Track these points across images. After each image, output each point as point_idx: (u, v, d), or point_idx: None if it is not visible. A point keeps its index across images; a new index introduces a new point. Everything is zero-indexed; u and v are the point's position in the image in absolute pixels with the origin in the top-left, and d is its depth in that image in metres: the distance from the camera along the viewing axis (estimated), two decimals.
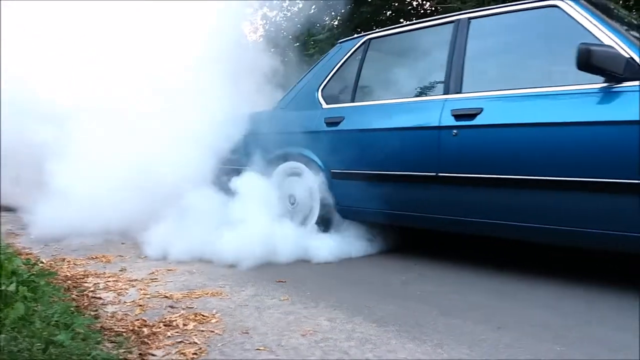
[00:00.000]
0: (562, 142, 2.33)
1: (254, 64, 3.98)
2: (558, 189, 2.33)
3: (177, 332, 1.88)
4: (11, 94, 3.92)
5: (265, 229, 3.07)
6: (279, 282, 2.59)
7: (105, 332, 1.86)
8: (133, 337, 1.83)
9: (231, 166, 3.64)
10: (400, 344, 1.79)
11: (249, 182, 3.35)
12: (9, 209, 4.44)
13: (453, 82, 2.78)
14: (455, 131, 2.66)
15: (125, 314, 2.08)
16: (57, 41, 3.98)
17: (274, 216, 3.27)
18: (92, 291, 2.40)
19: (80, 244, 3.48)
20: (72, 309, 2.01)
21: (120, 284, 2.54)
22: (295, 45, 6.88)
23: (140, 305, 2.20)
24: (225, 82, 3.61)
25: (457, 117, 2.66)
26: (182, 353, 1.70)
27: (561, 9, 2.50)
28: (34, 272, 2.29)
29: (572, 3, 2.48)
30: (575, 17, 2.44)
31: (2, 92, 3.89)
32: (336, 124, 3.25)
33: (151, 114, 3.57)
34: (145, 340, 1.80)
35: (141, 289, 2.44)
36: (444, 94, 2.81)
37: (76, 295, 2.31)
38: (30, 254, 3.12)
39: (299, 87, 3.67)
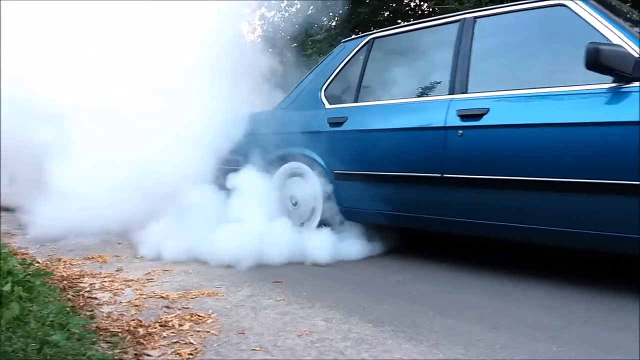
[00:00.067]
0: (570, 143, 2.29)
1: (252, 64, 3.97)
2: (567, 190, 2.30)
3: (172, 333, 1.88)
4: (11, 94, 3.90)
5: (262, 229, 3.07)
6: (276, 282, 2.59)
7: (101, 333, 1.86)
8: (129, 337, 1.82)
9: (232, 167, 3.61)
10: (397, 344, 1.79)
11: (247, 180, 3.35)
12: (7, 209, 4.43)
13: (459, 82, 2.75)
14: (461, 132, 2.63)
15: (121, 314, 2.08)
16: (57, 41, 3.97)
17: (271, 216, 3.25)
18: (88, 291, 2.39)
19: (76, 244, 3.47)
20: (67, 309, 2.01)
21: (116, 284, 2.53)
22: (293, 45, 6.88)
23: (136, 306, 2.19)
24: (224, 82, 3.61)
25: (463, 117, 2.63)
26: (177, 353, 1.70)
27: (569, 7, 2.47)
28: (30, 272, 2.29)
29: (580, 2, 2.45)
30: (583, 16, 2.41)
31: (2, 92, 3.88)
32: (339, 124, 3.22)
33: (150, 113, 3.56)
34: (141, 340, 1.80)
35: (137, 289, 2.43)
36: (449, 94, 2.77)
37: (72, 296, 2.31)
38: (26, 254, 3.11)
39: (301, 87, 3.63)
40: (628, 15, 2.75)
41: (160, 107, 3.57)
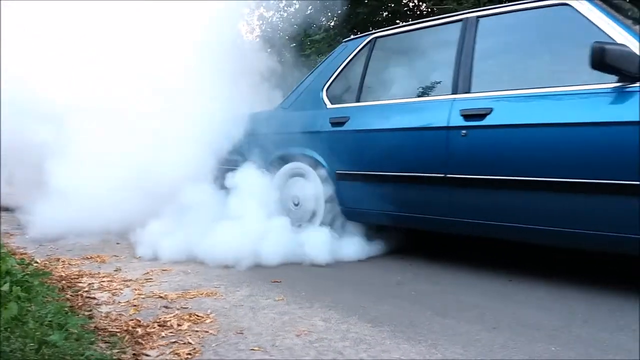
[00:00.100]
0: (575, 143, 2.27)
1: (251, 64, 3.98)
2: (571, 191, 2.28)
3: (171, 332, 1.88)
4: (11, 94, 3.90)
5: (261, 228, 3.06)
6: (274, 282, 2.59)
7: (99, 332, 1.85)
8: (127, 337, 1.82)
9: (232, 167, 3.59)
10: (395, 344, 1.79)
11: (246, 179, 3.34)
12: (6, 209, 4.42)
13: (462, 82, 2.73)
14: (464, 131, 2.60)
15: (120, 314, 2.08)
16: (56, 41, 3.97)
17: (271, 215, 3.25)
18: (86, 291, 2.39)
19: (75, 243, 3.48)
20: (66, 309, 2.01)
21: (114, 284, 2.53)
22: (291, 45, 6.88)
23: (135, 306, 2.19)
24: (223, 82, 3.61)
25: (467, 117, 2.61)
26: (176, 353, 1.70)
27: (572, 7, 2.45)
28: (28, 272, 2.29)
29: (584, 1, 2.43)
30: (587, 15, 2.39)
31: (2, 92, 3.88)
32: (341, 124, 3.20)
33: (150, 113, 3.57)
34: (139, 340, 1.80)
35: (136, 289, 2.43)
36: (452, 93, 2.75)
37: (70, 295, 2.30)
38: (25, 253, 3.11)
39: (302, 86, 3.61)
40: (630, 14, 2.73)
41: (160, 107, 3.58)
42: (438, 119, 2.73)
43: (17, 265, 2.30)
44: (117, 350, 1.70)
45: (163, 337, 1.84)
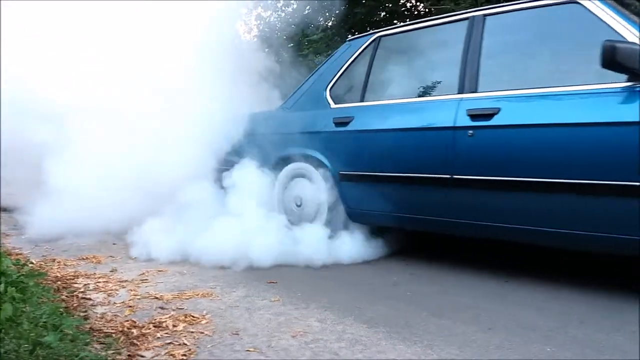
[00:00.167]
0: (585, 144, 2.23)
1: (249, 64, 3.97)
2: (581, 192, 2.24)
3: (166, 333, 1.87)
4: (11, 94, 3.90)
5: (259, 228, 3.06)
6: (270, 283, 2.58)
7: (95, 333, 1.85)
8: (122, 338, 1.82)
9: (232, 168, 3.58)
10: (391, 345, 1.78)
11: (245, 178, 3.33)
12: (5, 210, 4.41)
13: (468, 81, 2.69)
14: (471, 132, 2.56)
15: (115, 315, 2.07)
16: (56, 41, 3.97)
17: (269, 214, 3.24)
18: (82, 292, 2.39)
19: (72, 244, 3.47)
20: (61, 310, 2.00)
21: (110, 284, 2.52)
22: (289, 45, 6.88)
23: (130, 306, 2.18)
24: (223, 82, 3.60)
25: (473, 117, 2.57)
26: (171, 354, 1.69)
27: (582, 5, 2.41)
28: (24, 273, 2.27)
29: None
30: (597, 13, 2.35)
31: (2, 92, 3.87)
32: (345, 124, 3.15)
33: (150, 113, 3.57)
34: (135, 341, 1.80)
35: (131, 290, 2.43)
36: (458, 93, 2.71)
37: (66, 296, 2.30)
38: (21, 254, 3.09)
39: (305, 86, 3.56)
40: (638, 11, 2.65)
41: (159, 107, 3.57)
42: (444, 119, 2.69)
43: (12, 266, 2.28)
44: (112, 351, 1.69)
45: (158, 338, 1.83)
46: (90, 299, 2.30)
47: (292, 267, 2.90)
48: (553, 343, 1.80)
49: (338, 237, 3.15)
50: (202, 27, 3.73)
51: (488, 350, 1.74)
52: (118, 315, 2.07)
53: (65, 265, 2.93)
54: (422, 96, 2.96)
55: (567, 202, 2.31)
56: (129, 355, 1.68)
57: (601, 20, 2.34)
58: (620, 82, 2.19)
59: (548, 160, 2.34)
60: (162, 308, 2.17)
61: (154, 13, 3.79)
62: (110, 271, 2.79)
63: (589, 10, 2.39)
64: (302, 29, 6.94)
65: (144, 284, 2.56)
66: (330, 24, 7.58)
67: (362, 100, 3.20)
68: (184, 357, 1.68)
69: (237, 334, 1.88)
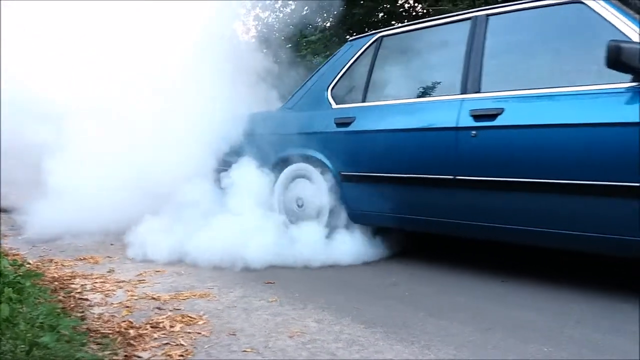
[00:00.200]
0: (589, 144, 2.22)
1: (247, 64, 3.97)
2: (586, 193, 2.23)
3: (163, 334, 1.87)
4: (11, 94, 3.90)
5: (256, 229, 3.05)
6: (268, 283, 2.58)
7: (91, 334, 1.85)
8: (119, 338, 1.81)
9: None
10: (388, 345, 1.78)
11: (243, 178, 3.32)
12: (4, 211, 4.40)
13: (471, 82, 2.67)
14: (474, 132, 2.55)
15: (112, 316, 2.07)
16: (56, 41, 3.97)
17: (267, 214, 3.24)
18: (79, 292, 2.38)
19: (69, 244, 3.46)
20: (58, 310, 2.00)
21: (107, 285, 2.52)
22: (287, 46, 6.88)
23: (128, 307, 2.18)
24: (221, 82, 3.59)
25: (477, 117, 2.56)
26: (168, 355, 1.69)
27: (586, 4, 2.40)
28: (20, 274, 2.27)
29: None
30: (601, 13, 2.34)
31: (1, 92, 3.87)
32: (347, 124, 3.13)
33: (150, 113, 3.57)
34: (132, 341, 1.79)
35: (129, 291, 2.42)
36: (461, 93, 2.69)
37: (63, 297, 2.29)
38: (18, 254, 3.09)
39: (307, 86, 3.54)
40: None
41: (158, 107, 3.57)
42: (446, 120, 2.67)
43: (9, 267, 2.28)
44: (109, 352, 1.69)
45: (155, 338, 1.83)
46: (87, 299, 2.29)
47: (290, 268, 2.90)
48: (550, 343, 1.80)
49: (339, 238, 3.13)
50: (201, 27, 3.73)
51: (486, 351, 1.74)
52: (115, 316, 2.07)
53: (63, 265, 2.92)
54: (424, 96, 2.94)
55: (572, 204, 2.29)
56: (125, 355, 1.68)
57: (605, 19, 2.32)
58: (624, 82, 2.18)
59: (552, 161, 2.32)
60: (159, 308, 2.17)
61: (153, 13, 3.78)
62: (108, 272, 2.79)
63: (593, 10, 2.37)
64: (301, 29, 6.94)
65: (141, 284, 2.55)
66: (328, 24, 7.58)
67: (363, 101, 3.18)
68: (181, 358, 1.67)
69: (234, 335, 1.88)
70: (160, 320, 1.99)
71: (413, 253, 3.22)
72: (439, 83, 2.94)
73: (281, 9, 7.40)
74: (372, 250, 3.13)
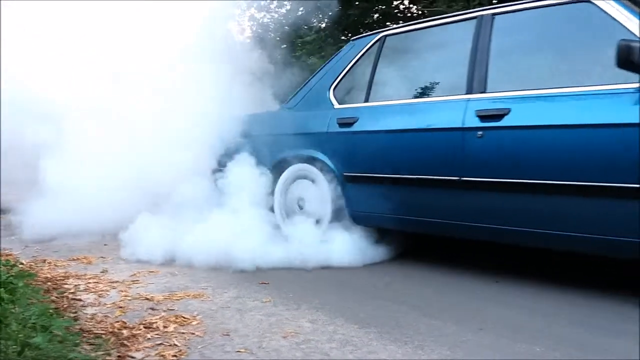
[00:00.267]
0: (598, 146, 2.19)
1: (242, 64, 3.97)
2: (597, 196, 2.19)
3: (157, 334, 1.87)
4: (11, 94, 3.89)
5: (252, 229, 3.05)
6: (262, 284, 2.58)
7: (84, 334, 1.84)
8: (112, 339, 1.81)
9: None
10: (382, 345, 1.79)
11: (241, 179, 3.31)
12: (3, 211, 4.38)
13: (477, 82, 2.64)
14: (480, 133, 2.51)
15: (105, 316, 2.06)
16: (56, 41, 3.97)
17: (265, 216, 3.23)
18: (72, 293, 2.37)
19: (63, 245, 3.45)
20: (50, 310, 1.98)
21: (101, 285, 2.51)
22: (282, 46, 6.87)
23: (121, 307, 2.17)
24: (216, 83, 3.59)
25: (483, 118, 2.53)
26: (161, 355, 1.69)
27: (594, 3, 2.37)
28: (13, 274, 2.26)
29: None
30: (610, 13, 2.31)
31: (2, 92, 3.86)
32: (349, 124, 3.10)
33: (149, 113, 3.57)
34: (125, 342, 1.79)
35: (122, 291, 2.41)
36: (466, 93, 2.66)
37: (56, 297, 2.28)
38: (10, 254, 3.07)
39: (308, 86, 3.50)
40: None
41: (158, 107, 3.57)
42: (452, 120, 2.64)
43: (1, 267, 2.27)
44: (101, 352, 1.68)
45: (149, 339, 1.83)
46: (80, 299, 2.28)
47: (285, 269, 2.88)
48: (542, 343, 1.80)
49: (339, 239, 3.07)
50: (196, 27, 3.73)
51: (479, 351, 1.75)
52: (108, 316, 2.06)
53: (56, 266, 2.91)
54: (428, 97, 2.90)
55: (580, 206, 2.26)
56: (119, 356, 1.68)
57: (614, 18, 2.29)
58: (634, 82, 2.14)
59: (560, 162, 2.29)
60: (152, 309, 2.16)
61: (152, 13, 3.78)
62: (101, 272, 2.78)
63: (601, 9, 2.34)
64: (296, 30, 6.93)
65: (134, 284, 2.55)
66: (323, 25, 7.58)
67: (366, 101, 3.14)
68: (174, 358, 1.67)
69: (228, 335, 1.88)
70: (153, 321, 1.99)
71: (411, 254, 3.21)
72: (443, 83, 2.90)
73: (276, 9, 7.40)
74: (374, 252, 3.09)
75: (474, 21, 2.78)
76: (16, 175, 4.02)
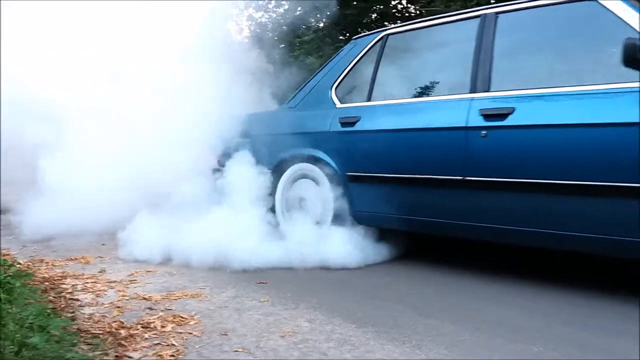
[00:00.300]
0: (603, 145, 2.17)
1: (240, 64, 3.97)
2: (601, 195, 2.18)
3: (154, 334, 1.87)
4: (11, 94, 3.88)
5: (252, 230, 3.05)
6: (260, 283, 2.58)
7: (82, 334, 1.84)
8: (110, 339, 1.81)
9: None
10: (379, 345, 1.79)
11: (240, 178, 3.31)
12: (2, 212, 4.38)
13: (480, 80, 2.62)
14: (484, 132, 2.50)
15: (103, 316, 2.06)
16: (56, 41, 3.97)
17: (263, 216, 3.22)
18: (69, 292, 2.37)
19: (61, 244, 3.45)
20: (48, 310, 1.98)
21: (98, 285, 2.51)
22: (280, 46, 6.87)
23: (119, 307, 2.17)
24: (218, 82, 3.59)
25: (487, 117, 2.51)
26: (159, 355, 1.68)
27: (599, 2, 2.36)
28: (10, 274, 2.25)
29: None
30: (615, 11, 2.29)
31: (2, 92, 3.86)
32: (352, 124, 3.08)
33: (149, 113, 3.57)
34: (122, 342, 1.78)
35: (120, 291, 2.41)
36: (470, 92, 2.64)
37: (53, 297, 2.28)
38: (8, 254, 3.06)
39: (310, 85, 3.48)
40: None
41: (158, 106, 3.57)
42: (456, 119, 2.62)
43: None
44: (99, 352, 1.68)
45: (146, 338, 1.82)
46: (78, 299, 2.28)
47: (284, 269, 2.87)
48: (540, 343, 1.81)
49: (341, 239, 3.04)
50: (195, 27, 3.73)
51: (476, 350, 1.75)
52: (106, 316, 2.06)
53: (54, 265, 2.90)
54: (431, 96, 2.89)
55: (587, 206, 2.24)
56: (116, 356, 1.67)
57: (619, 17, 2.28)
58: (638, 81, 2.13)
59: (567, 161, 2.28)
60: (150, 309, 2.16)
61: (151, 14, 3.78)
62: (99, 272, 2.78)
63: (606, 8, 2.33)
64: (294, 29, 6.93)
65: (132, 284, 2.54)
66: (321, 25, 7.59)
67: (369, 100, 3.12)
68: (172, 358, 1.67)
69: (226, 335, 1.88)
70: (151, 321, 1.99)
71: (412, 254, 3.20)
72: (446, 82, 2.89)
73: (274, 9, 7.40)
74: (375, 252, 3.07)
75: (478, 20, 2.76)
76: (16, 175, 4.02)
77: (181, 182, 3.33)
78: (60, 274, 2.69)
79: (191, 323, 1.99)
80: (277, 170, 3.45)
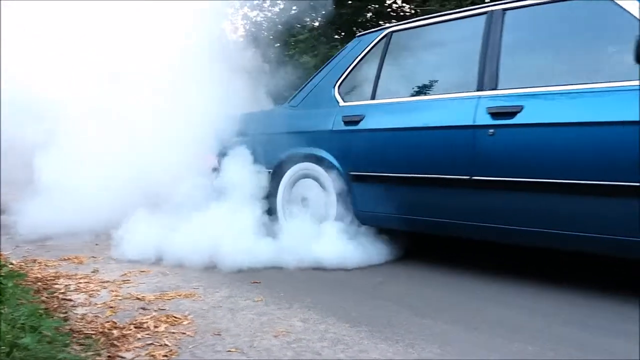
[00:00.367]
0: (613, 143, 2.13)
1: (235, 63, 3.96)
2: (611, 195, 2.14)
3: (147, 334, 1.86)
4: (11, 94, 3.87)
5: (251, 230, 3.04)
6: (254, 283, 2.57)
7: (74, 335, 1.83)
8: (102, 339, 1.80)
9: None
10: (373, 344, 1.79)
11: (238, 178, 3.31)
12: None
13: (487, 78, 2.57)
14: (492, 130, 2.45)
15: (96, 316, 2.05)
16: (56, 41, 3.96)
17: (262, 216, 3.21)
18: (62, 293, 2.36)
19: (54, 244, 3.43)
20: (40, 311, 1.97)
21: (91, 285, 2.50)
22: (276, 45, 6.87)
23: (111, 307, 2.16)
24: (215, 82, 3.57)
25: (494, 115, 2.46)
26: (151, 355, 1.68)
27: None
28: (2, 274, 2.24)
29: None
30: (626, 7, 2.24)
31: (2, 92, 3.84)
32: (355, 122, 3.03)
33: (147, 113, 3.56)
34: (115, 342, 1.78)
35: (113, 291, 2.40)
36: (477, 90, 2.59)
37: (46, 297, 2.27)
38: (0, 254, 3.04)
39: (312, 84, 3.42)
40: None
41: (157, 106, 3.56)
42: (462, 117, 2.57)
43: None
44: (91, 353, 1.67)
45: (139, 339, 1.82)
46: (70, 299, 2.27)
47: (278, 268, 2.86)
48: (537, 342, 1.80)
49: (343, 239, 3.00)
50: (194, 27, 3.73)
51: (470, 350, 1.75)
52: (99, 316, 2.05)
53: (47, 265, 2.89)
54: (437, 94, 2.84)
55: (596, 206, 2.21)
56: (109, 356, 1.67)
57: (631, 14, 2.22)
58: None
59: (576, 161, 2.23)
60: (143, 309, 2.15)
61: (150, 14, 3.77)
62: (92, 272, 2.77)
63: (616, 4, 2.28)
64: (289, 28, 6.93)
65: (125, 284, 2.53)
66: (317, 24, 7.58)
67: (372, 98, 3.06)
68: (165, 358, 1.66)
69: (219, 335, 1.87)
70: (144, 321, 1.98)
71: (413, 254, 3.17)
72: (452, 80, 2.85)
73: (269, 8, 7.39)
74: (377, 252, 3.03)
75: (484, 17, 2.71)
76: (16, 175, 4.00)
77: (180, 181, 3.32)
78: (53, 274, 2.68)
79: (184, 323, 1.98)
80: (278, 171, 3.41)
